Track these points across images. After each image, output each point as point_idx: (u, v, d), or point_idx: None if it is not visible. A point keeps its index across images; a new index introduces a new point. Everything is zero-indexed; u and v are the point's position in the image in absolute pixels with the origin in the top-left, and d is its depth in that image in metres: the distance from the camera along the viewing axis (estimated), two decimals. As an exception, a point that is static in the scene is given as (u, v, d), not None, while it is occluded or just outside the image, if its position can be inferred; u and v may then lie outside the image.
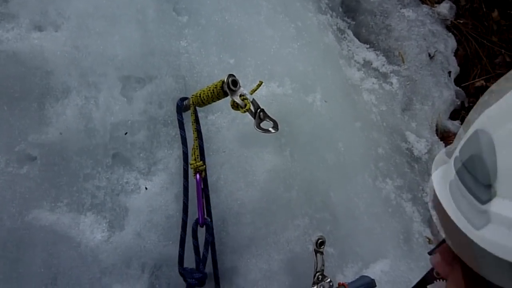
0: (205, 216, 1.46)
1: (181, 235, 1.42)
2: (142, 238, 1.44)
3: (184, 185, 1.44)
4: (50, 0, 1.46)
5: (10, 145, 1.33)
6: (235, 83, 1.32)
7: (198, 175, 1.43)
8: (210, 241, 1.51)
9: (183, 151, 1.47)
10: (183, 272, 1.42)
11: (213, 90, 1.37)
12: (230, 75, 1.31)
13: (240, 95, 1.32)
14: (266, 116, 1.35)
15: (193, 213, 1.52)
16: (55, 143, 1.38)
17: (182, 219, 1.42)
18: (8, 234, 1.29)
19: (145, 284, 1.43)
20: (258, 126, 1.33)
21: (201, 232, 1.45)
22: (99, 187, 1.42)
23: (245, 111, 1.31)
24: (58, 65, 1.42)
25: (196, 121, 1.50)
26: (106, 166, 1.44)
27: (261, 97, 1.69)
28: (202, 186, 1.45)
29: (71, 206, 1.37)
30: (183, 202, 1.43)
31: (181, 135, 1.49)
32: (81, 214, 1.38)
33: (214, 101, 1.43)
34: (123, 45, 1.55)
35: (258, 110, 1.35)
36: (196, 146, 1.45)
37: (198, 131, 1.48)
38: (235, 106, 1.33)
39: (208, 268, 1.53)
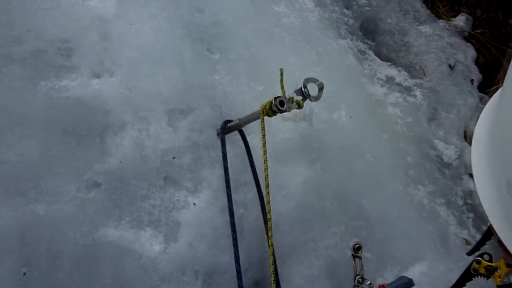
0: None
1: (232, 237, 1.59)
2: (194, 248, 1.61)
3: (227, 193, 1.64)
4: (105, 52, 1.75)
5: (79, 175, 1.56)
6: (282, 103, 1.50)
7: None
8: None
9: (224, 166, 1.67)
10: None
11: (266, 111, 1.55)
12: (277, 97, 1.50)
13: (289, 100, 1.50)
14: (307, 83, 1.55)
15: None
16: (116, 170, 1.60)
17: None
18: (81, 251, 1.48)
19: (199, 290, 1.60)
20: (314, 98, 1.54)
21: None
22: (154, 206, 1.63)
23: (303, 106, 1.52)
24: (115, 105, 1.68)
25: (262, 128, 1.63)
26: (159, 187, 1.65)
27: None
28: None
29: (132, 223, 1.58)
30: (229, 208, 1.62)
31: (222, 152, 1.69)
32: (141, 230, 1.58)
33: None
34: (167, 83, 1.81)
35: (302, 88, 1.53)
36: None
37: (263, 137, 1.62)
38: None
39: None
